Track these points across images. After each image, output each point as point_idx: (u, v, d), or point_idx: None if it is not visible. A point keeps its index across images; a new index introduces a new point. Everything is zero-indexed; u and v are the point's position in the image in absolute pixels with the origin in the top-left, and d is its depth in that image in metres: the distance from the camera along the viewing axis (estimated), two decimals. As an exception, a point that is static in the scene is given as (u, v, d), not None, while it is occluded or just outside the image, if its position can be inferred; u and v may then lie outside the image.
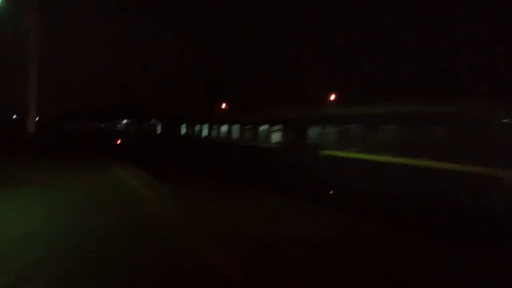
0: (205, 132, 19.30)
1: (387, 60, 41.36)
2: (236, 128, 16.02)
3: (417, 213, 7.84)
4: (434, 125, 8.08)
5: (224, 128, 17.16)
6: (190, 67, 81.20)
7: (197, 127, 20.55)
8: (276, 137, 13.02)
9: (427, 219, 7.55)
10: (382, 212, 8.05)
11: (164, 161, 19.18)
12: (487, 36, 35.55)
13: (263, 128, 13.83)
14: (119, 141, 29.18)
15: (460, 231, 6.82)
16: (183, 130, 22.60)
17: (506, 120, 6.91)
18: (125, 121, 45.13)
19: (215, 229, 6.41)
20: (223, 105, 39.35)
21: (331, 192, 9.89)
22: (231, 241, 5.76)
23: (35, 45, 16.58)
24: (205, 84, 50.47)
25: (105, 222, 6.37)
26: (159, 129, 28.08)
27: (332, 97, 30.36)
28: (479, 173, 6.91)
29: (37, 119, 18.47)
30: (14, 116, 62.49)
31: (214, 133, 18.21)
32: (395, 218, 7.59)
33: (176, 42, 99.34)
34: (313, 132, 11.31)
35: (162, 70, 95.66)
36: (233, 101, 40.23)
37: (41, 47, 17.21)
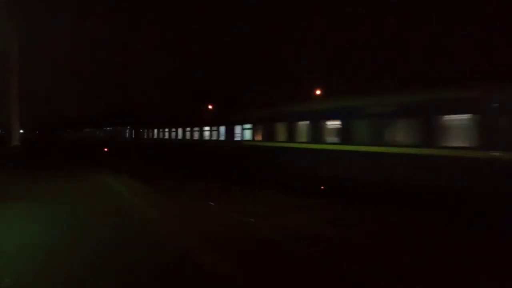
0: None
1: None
2: (203, 130, 17.82)
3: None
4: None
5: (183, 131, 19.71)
6: (178, 72, 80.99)
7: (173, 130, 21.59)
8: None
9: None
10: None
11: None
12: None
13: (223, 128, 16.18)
14: (106, 149, 28.98)
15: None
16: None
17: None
18: (108, 128, 44.57)
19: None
20: (210, 106, 39.53)
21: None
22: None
23: (15, 57, 16.38)
24: (192, 88, 50.80)
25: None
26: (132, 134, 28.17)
27: (318, 92, 30.91)
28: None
29: (21, 131, 18.26)
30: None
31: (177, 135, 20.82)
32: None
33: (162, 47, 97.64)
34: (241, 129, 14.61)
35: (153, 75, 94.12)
36: (219, 105, 40.55)
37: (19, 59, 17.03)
